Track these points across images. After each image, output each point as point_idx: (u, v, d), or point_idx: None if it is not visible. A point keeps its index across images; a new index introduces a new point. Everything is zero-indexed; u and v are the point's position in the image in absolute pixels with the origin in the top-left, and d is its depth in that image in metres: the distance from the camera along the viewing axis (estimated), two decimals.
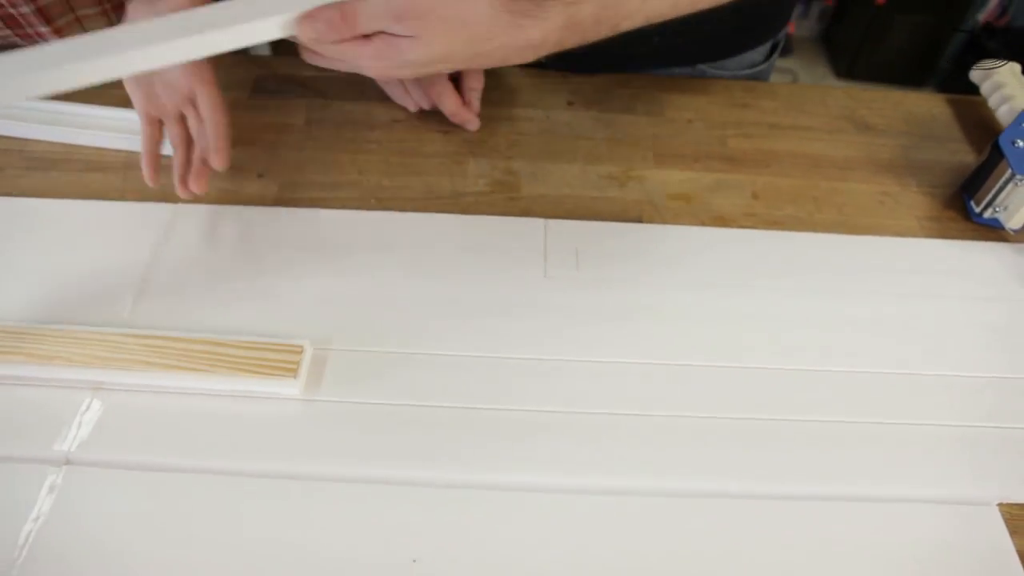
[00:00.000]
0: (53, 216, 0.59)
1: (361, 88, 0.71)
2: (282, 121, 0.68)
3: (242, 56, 0.73)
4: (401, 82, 0.67)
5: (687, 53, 0.76)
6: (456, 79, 0.66)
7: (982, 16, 2.09)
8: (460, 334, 0.52)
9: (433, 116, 0.68)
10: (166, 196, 0.61)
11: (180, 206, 0.60)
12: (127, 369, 0.49)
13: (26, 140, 0.65)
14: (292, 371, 0.48)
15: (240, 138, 0.66)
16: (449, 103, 0.65)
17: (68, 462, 0.46)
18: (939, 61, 2.19)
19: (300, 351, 0.49)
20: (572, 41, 0.51)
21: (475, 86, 0.66)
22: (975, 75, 0.74)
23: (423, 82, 0.65)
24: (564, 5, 0.49)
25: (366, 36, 0.48)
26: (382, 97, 0.70)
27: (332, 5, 0.46)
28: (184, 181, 0.58)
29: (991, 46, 2.03)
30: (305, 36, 0.47)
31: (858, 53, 2.23)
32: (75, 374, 0.49)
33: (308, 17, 0.46)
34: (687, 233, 0.60)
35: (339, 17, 0.46)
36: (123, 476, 0.46)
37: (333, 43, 0.47)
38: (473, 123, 0.67)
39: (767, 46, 0.79)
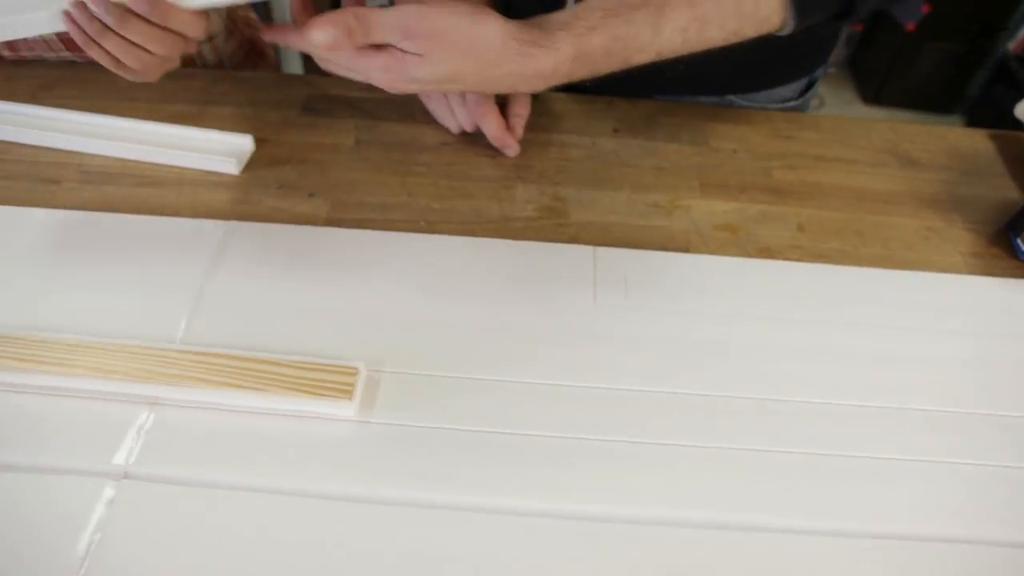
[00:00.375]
0: (108, 230, 0.60)
1: (409, 110, 0.72)
2: (332, 141, 0.69)
3: (293, 75, 0.75)
4: (447, 102, 0.67)
5: (714, 83, 0.76)
6: (502, 103, 0.67)
7: (1012, 45, 2.09)
8: (511, 360, 0.53)
9: (480, 139, 0.68)
10: (219, 213, 0.62)
11: (233, 224, 0.61)
12: (183, 385, 0.50)
13: (83, 154, 0.66)
14: (347, 393, 0.49)
15: (290, 157, 0.67)
16: (492, 127, 0.66)
17: (126, 476, 0.47)
18: (967, 89, 2.18)
19: (355, 373, 0.50)
20: (582, 72, 0.52)
21: (521, 112, 0.67)
22: (1020, 110, 0.74)
23: (468, 104, 0.66)
24: (574, 36, 0.50)
25: (378, 47, 0.50)
26: (430, 119, 0.71)
27: (349, 11, 0.47)
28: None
29: (1021, 75, 2.03)
30: (321, 40, 0.48)
31: (886, 79, 2.24)
32: (132, 388, 0.50)
33: (326, 21, 0.48)
34: (735, 264, 0.60)
35: (355, 24, 0.47)
36: (178, 491, 0.46)
37: (346, 50, 0.48)
38: (513, 148, 0.68)
39: (801, 83, 0.80)
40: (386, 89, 0.53)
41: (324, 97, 0.73)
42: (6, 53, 0.76)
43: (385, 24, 0.48)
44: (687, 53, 0.53)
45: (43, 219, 0.61)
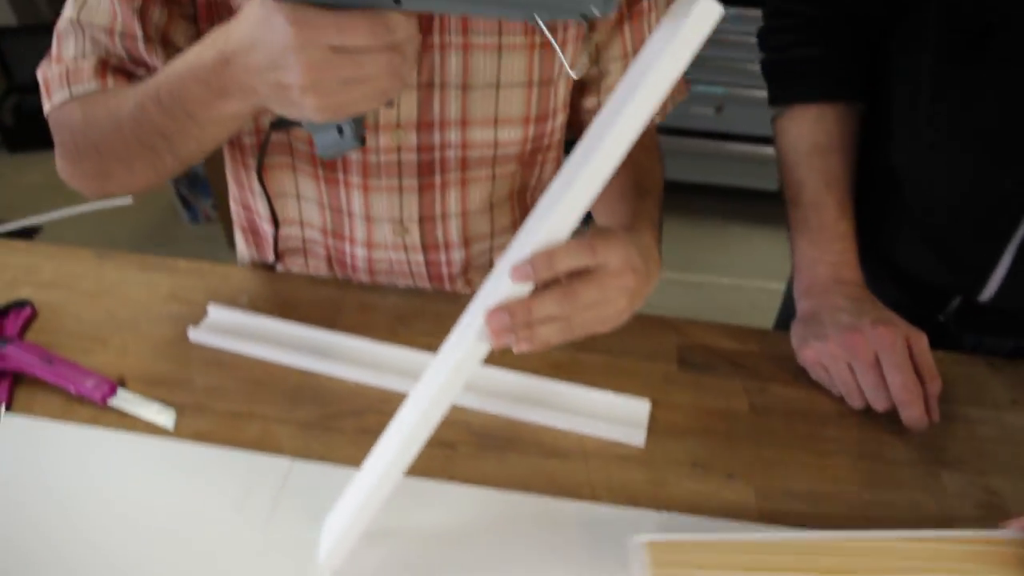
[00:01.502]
0: (531, 514, 0.55)
1: (794, 371, 0.67)
2: (726, 406, 0.64)
3: (663, 317, 0.72)
4: (853, 377, 0.63)
5: None
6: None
7: None
8: None
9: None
10: (639, 496, 0.57)
11: (667, 516, 0.56)
12: None
13: (466, 410, 0.62)
14: None
15: (689, 424, 0.62)
16: (915, 412, 0.61)
17: None
18: None
19: None
20: None
21: (934, 391, 0.63)
22: None
23: (893, 388, 0.61)
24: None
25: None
26: (812, 383, 0.67)
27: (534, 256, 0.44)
28: None
29: None
30: (520, 278, 0.43)
31: None
32: None
33: (516, 271, 0.43)
34: None
35: (539, 258, 0.43)
36: None
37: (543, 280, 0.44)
38: (924, 426, 0.62)
39: None
40: (603, 327, 0.48)
41: (699, 348, 0.69)
42: (364, 277, 0.74)
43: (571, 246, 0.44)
44: None
45: (453, 494, 0.56)
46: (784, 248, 0.76)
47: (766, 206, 2.19)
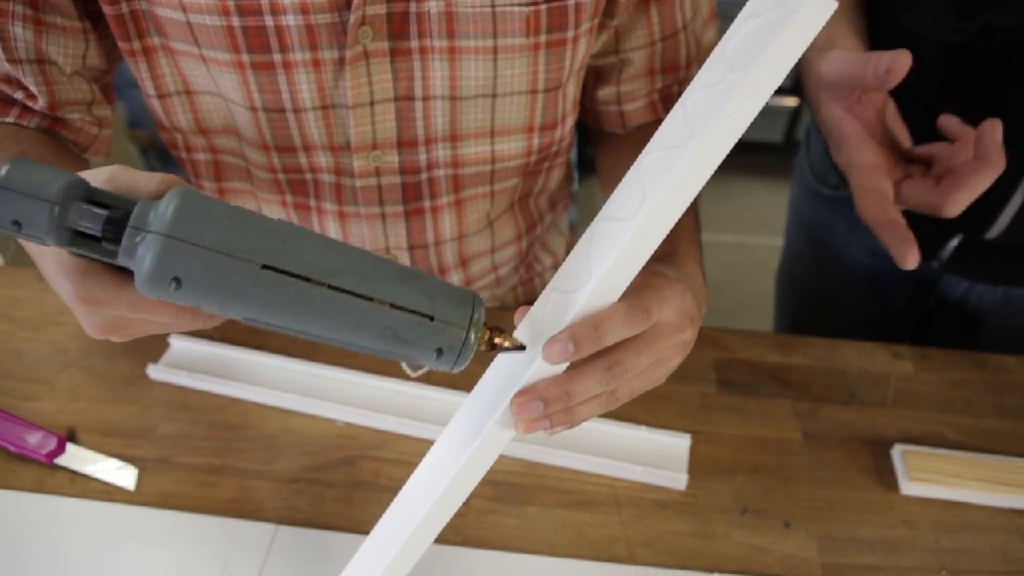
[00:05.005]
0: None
1: (850, 387, 0.59)
2: (775, 435, 0.56)
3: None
4: None
5: None
6: None
7: None
8: None
9: None
10: (685, 555, 0.48)
11: None
12: None
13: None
14: None
15: (736, 460, 0.54)
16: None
17: None
18: None
19: None
20: None
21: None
22: None
23: None
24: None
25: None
26: (872, 401, 0.58)
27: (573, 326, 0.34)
28: None
29: None
30: (559, 359, 0.34)
31: None
32: None
33: (552, 350, 0.34)
34: None
35: (584, 330, 0.34)
36: None
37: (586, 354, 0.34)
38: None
39: None
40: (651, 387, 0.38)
41: (739, 363, 0.60)
42: None
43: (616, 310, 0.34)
44: None
45: (467, 562, 0.48)
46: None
47: (769, 158, 2.08)
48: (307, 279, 0.28)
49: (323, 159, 0.52)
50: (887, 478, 0.54)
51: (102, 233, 0.27)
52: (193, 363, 0.57)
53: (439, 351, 0.30)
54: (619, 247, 0.32)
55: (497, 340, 0.33)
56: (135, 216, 0.26)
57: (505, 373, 0.36)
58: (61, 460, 0.52)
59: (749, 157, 2.23)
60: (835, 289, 0.82)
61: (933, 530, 0.51)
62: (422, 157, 0.52)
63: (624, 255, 0.32)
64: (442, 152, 0.52)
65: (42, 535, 0.49)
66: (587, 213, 2.11)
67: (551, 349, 0.33)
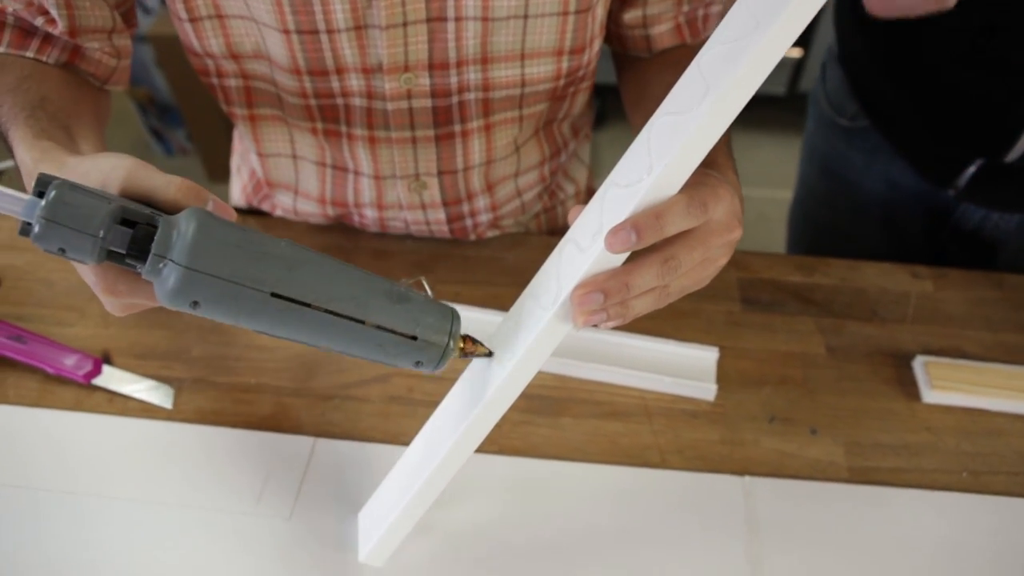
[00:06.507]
0: (598, 486, 0.48)
1: (872, 304, 0.60)
2: (800, 349, 0.57)
3: None
4: None
5: None
6: None
7: None
8: None
9: None
10: (715, 459, 0.50)
11: (750, 481, 0.49)
12: None
13: None
14: None
15: (763, 373, 0.55)
16: None
17: None
18: None
19: None
20: None
21: None
22: None
23: None
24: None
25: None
26: (895, 316, 0.59)
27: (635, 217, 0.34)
28: None
29: None
30: (621, 248, 0.34)
31: None
32: None
33: (616, 238, 0.34)
34: None
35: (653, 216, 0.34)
36: None
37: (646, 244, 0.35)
38: None
39: None
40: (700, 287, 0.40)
41: (762, 283, 0.61)
42: None
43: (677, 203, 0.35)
44: None
45: (502, 468, 0.49)
46: (793, 154, 0.67)
47: (773, 110, 2.08)
48: (309, 305, 0.32)
49: (355, 82, 0.52)
50: (909, 388, 0.55)
51: (127, 251, 0.30)
52: None
53: (418, 363, 0.36)
54: (682, 139, 0.33)
55: (469, 349, 0.37)
56: (157, 242, 0.30)
57: (555, 272, 0.37)
58: (98, 381, 0.53)
59: (751, 108, 2.23)
60: (849, 221, 0.83)
61: (955, 435, 0.52)
62: (453, 80, 0.52)
63: (687, 147, 0.33)
64: (473, 75, 0.52)
65: (85, 451, 0.50)
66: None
67: (615, 238, 0.34)
